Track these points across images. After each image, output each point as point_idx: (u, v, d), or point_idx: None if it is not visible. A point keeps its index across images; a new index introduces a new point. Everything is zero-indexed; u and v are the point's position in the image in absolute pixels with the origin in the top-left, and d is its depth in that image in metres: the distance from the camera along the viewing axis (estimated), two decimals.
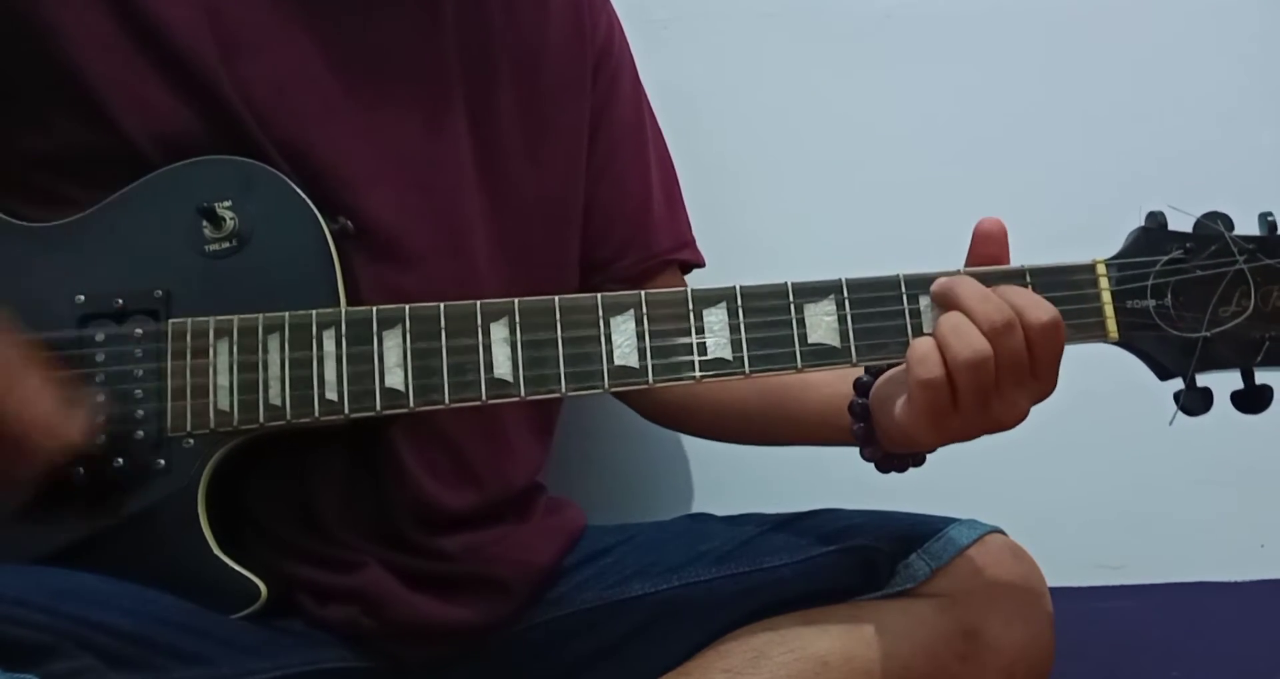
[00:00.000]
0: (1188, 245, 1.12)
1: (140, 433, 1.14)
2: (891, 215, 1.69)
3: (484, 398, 1.13)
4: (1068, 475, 1.69)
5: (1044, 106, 1.73)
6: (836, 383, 1.26)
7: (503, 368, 1.13)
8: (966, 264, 1.14)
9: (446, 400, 1.13)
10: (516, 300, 1.14)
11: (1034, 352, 1.07)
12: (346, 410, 1.13)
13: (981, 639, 1.27)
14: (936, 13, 1.74)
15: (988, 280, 1.10)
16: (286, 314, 1.14)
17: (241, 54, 1.21)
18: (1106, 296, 1.13)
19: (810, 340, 1.13)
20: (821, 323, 1.13)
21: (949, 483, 1.56)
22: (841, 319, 1.13)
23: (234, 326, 1.14)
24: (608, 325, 1.13)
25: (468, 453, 1.29)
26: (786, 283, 1.14)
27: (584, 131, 1.42)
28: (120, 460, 1.13)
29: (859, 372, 1.21)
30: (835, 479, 1.46)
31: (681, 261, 1.50)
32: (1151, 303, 1.12)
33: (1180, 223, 1.13)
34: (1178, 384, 1.13)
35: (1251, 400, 1.13)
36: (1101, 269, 1.13)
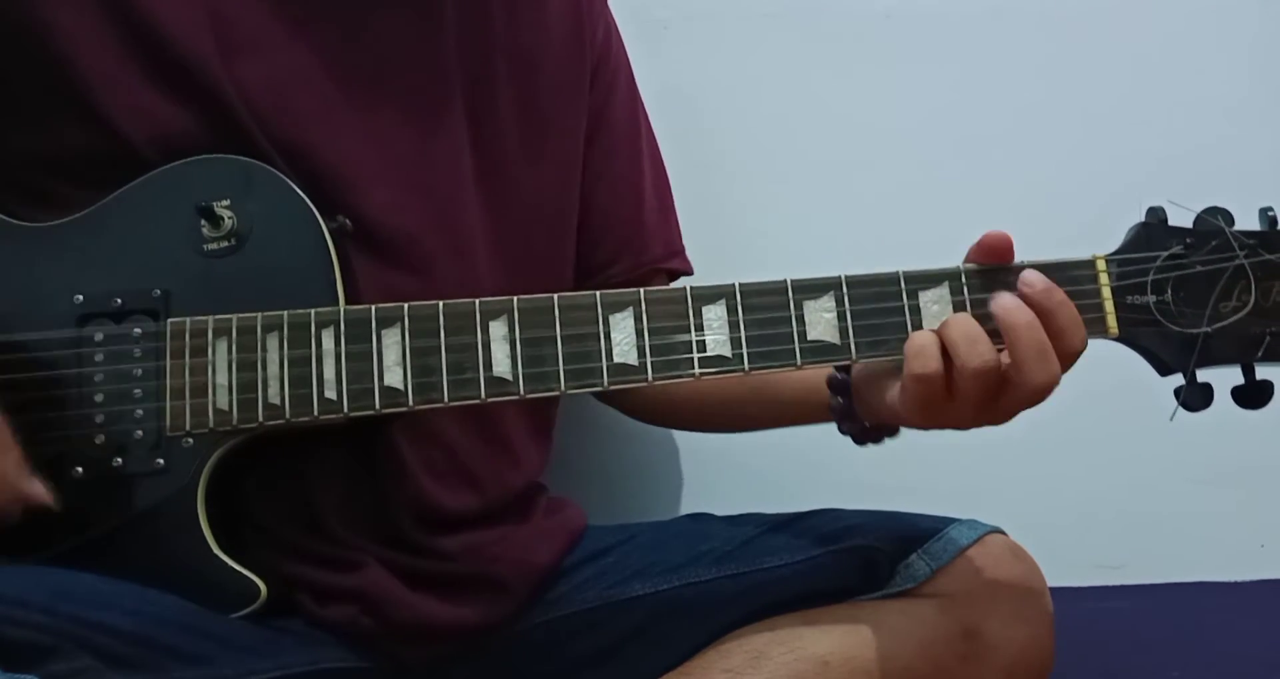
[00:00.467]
0: (1188, 241, 1.12)
1: (139, 432, 1.14)
2: (892, 215, 1.69)
3: (483, 396, 1.12)
4: (1068, 475, 1.69)
5: (1044, 106, 1.73)
6: None
7: (502, 366, 1.13)
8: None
9: (446, 399, 1.13)
10: (515, 298, 1.14)
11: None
12: (345, 409, 1.13)
13: (982, 639, 1.27)
14: (936, 12, 1.75)
15: (988, 278, 1.11)
16: (285, 313, 1.14)
17: (241, 55, 1.21)
18: (1107, 292, 1.12)
19: (810, 337, 1.12)
20: (821, 320, 1.12)
21: (949, 483, 1.57)
22: (841, 315, 1.12)
23: (233, 326, 1.14)
24: (607, 323, 1.13)
25: (467, 453, 1.29)
26: (786, 280, 1.13)
27: (581, 135, 1.42)
28: (119, 460, 1.13)
29: None
30: (835, 479, 1.47)
31: (670, 270, 1.51)
32: (1152, 298, 1.12)
33: (1180, 218, 1.13)
34: (1178, 380, 1.13)
35: (1252, 396, 1.12)
36: (1101, 265, 1.13)
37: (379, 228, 1.23)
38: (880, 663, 1.26)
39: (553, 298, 1.14)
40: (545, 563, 1.33)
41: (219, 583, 1.14)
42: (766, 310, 1.13)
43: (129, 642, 1.06)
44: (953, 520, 1.34)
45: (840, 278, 1.13)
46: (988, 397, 1.08)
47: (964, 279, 1.12)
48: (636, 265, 1.46)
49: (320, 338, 1.14)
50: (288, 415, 1.13)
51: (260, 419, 1.13)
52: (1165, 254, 1.12)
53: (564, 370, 1.13)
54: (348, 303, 1.17)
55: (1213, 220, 1.12)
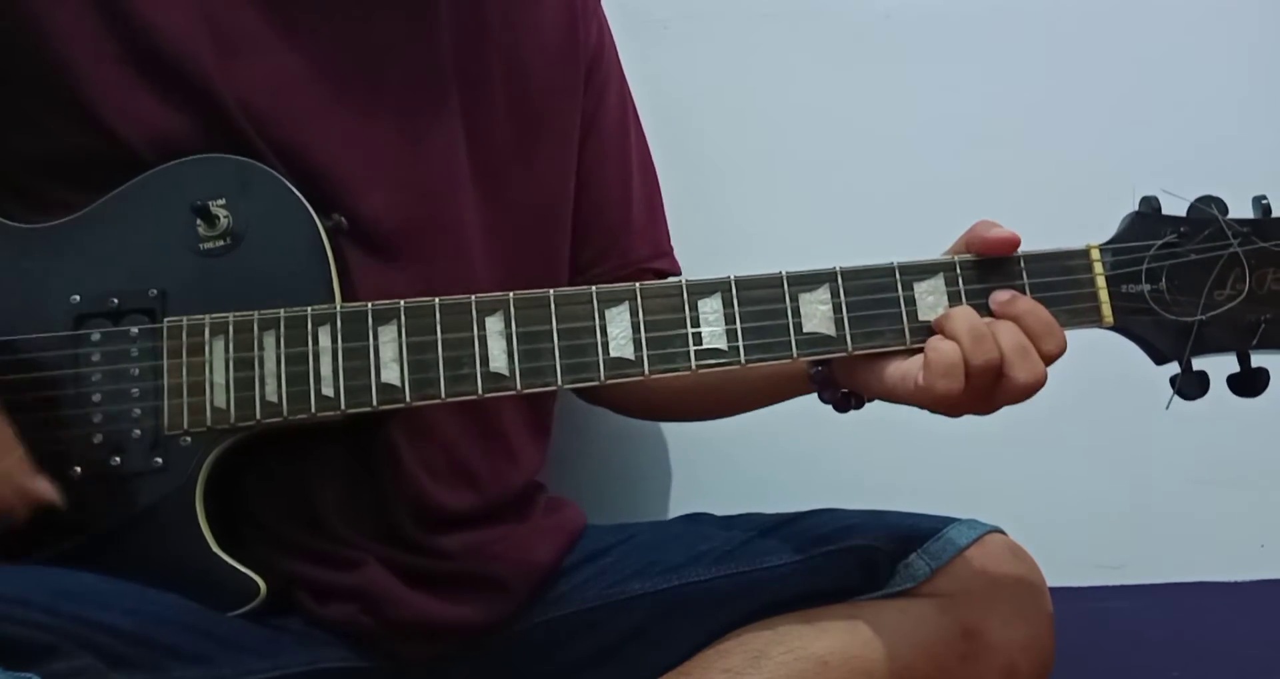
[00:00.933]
0: (1182, 229, 1.12)
1: (137, 431, 1.14)
2: (893, 216, 1.69)
3: (480, 391, 1.13)
4: (1068, 475, 1.69)
5: (1044, 106, 1.73)
6: None
7: (498, 361, 1.13)
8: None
9: (443, 395, 1.13)
10: (511, 293, 1.14)
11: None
12: (343, 406, 1.13)
13: (982, 639, 1.27)
14: (936, 13, 1.75)
15: (983, 268, 1.12)
16: (281, 311, 1.14)
17: (236, 57, 1.22)
18: (1101, 281, 1.13)
19: (805, 329, 1.13)
20: (816, 312, 1.13)
21: (949, 483, 1.57)
22: (836, 307, 1.13)
23: (229, 324, 1.14)
24: (603, 317, 1.14)
25: (465, 453, 1.29)
26: (781, 272, 1.14)
27: (575, 134, 1.42)
28: (117, 459, 1.13)
29: None
30: (835, 479, 1.47)
31: (657, 270, 1.51)
32: (1146, 287, 1.12)
33: (1174, 208, 1.14)
34: (1174, 370, 1.13)
35: (1248, 383, 1.13)
36: (1095, 254, 1.13)
37: (374, 226, 1.24)
38: (880, 663, 1.26)
39: (549, 293, 1.15)
40: (545, 562, 1.33)
41: (218, 581, 1.14)
42: (762, 303, 1.13)
43: (129, 641, 1.06)
44: (952, 520, 1.34)
45: (835, 270, 1.14)
46: (984, 390, 1.08)
47: (959, 270, 1.13)
48: (622, 264, 1.47)
49: (317, 335, 1.14)
50: (285, 413, 1.13)
51: (258, 417, 1.13)
52: (1159, 243, 1.12)
53: (560, 365, 1.13)
54: (344, 302, 1.17)
55: (1206, 209, 1.12)
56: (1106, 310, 1.12)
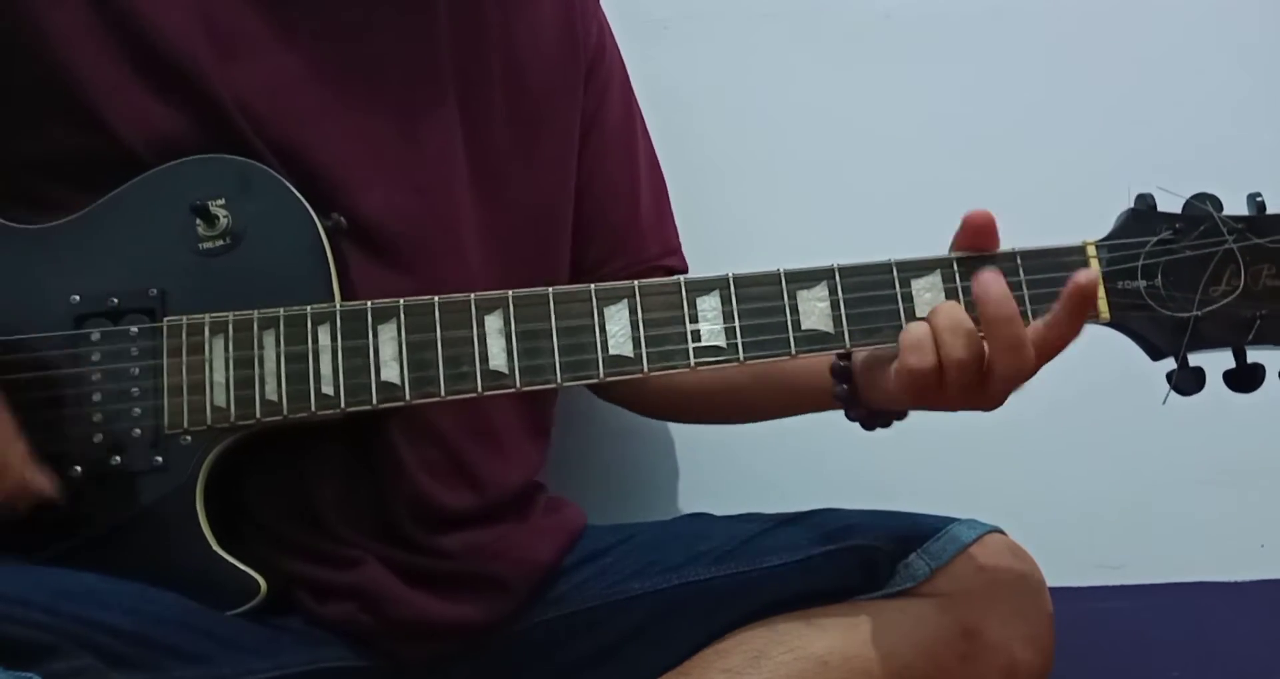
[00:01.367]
0: (1177, 226, 1.12)
1: (137, 430, 1.14)
2: (892, 216, 1.69)
3: (480, 389, 1.13)
4: (1068, 475, 1.68)
5: (1044, 106, 1.73)
6: None
7: (498, 359, 1.13)
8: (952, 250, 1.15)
9: (442, 393, 1.13)
10: (510, 292, 1.15)
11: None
12: (343, 404, 1.13)
13: (981, 639, 1.27)
14: (936, 13, 1.75)
15: (980, 265, 1.12)
16: (281, 310, 1.15)
17: (235, 58, 1.22)
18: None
19: (804, 326, 1.13)
20: (815, 309, 1.13)
21: (949, 483, 1.57)
22: (834, 304, 1.13)
23: (229, 323, 1.15)
24: (602, 315, 1.14)
25: (464, 452, 1.29)
26: (779, 270, 1.14)
27: (575, 134, 1.43)
28: (118, 458, 1.14)
29: None
30: (835, 479, 1.46)
31: (667, 268, 1.51)
32: (1142, 283, 1.12)
33: (1169, 204, 1.14)
34: (1171, 365, 1.13)
35: (1244, 379, 1.13)
36: (1091, 251, 1.13)
37: (374, 226, 1.24)
38: (880, 662, 1.26)
39: (548, 291, 1.15)
40: (545, 562, 1.33)
41: (219, 579, 1.14)
42: (760, 300, 1.14)
43: (129, 641, 1.06)
44: (952, 520, 1.34)
45: (833, 267, 1.14)
46: (971, 384, 1.08)
47: (955, 267, 1.13)
48: (632, 263, 1.47)
49: (316, 334, 1.14)
50: (285, 411, 1.14)
51: (258, 415, 1.14)
52: (1155, 239, 1.12)
53: (560, 362, 1.13)
54: (343, 301, 1.17)
55: (1201, 206, 1.12)
56: (1103, 306, 1.12)
